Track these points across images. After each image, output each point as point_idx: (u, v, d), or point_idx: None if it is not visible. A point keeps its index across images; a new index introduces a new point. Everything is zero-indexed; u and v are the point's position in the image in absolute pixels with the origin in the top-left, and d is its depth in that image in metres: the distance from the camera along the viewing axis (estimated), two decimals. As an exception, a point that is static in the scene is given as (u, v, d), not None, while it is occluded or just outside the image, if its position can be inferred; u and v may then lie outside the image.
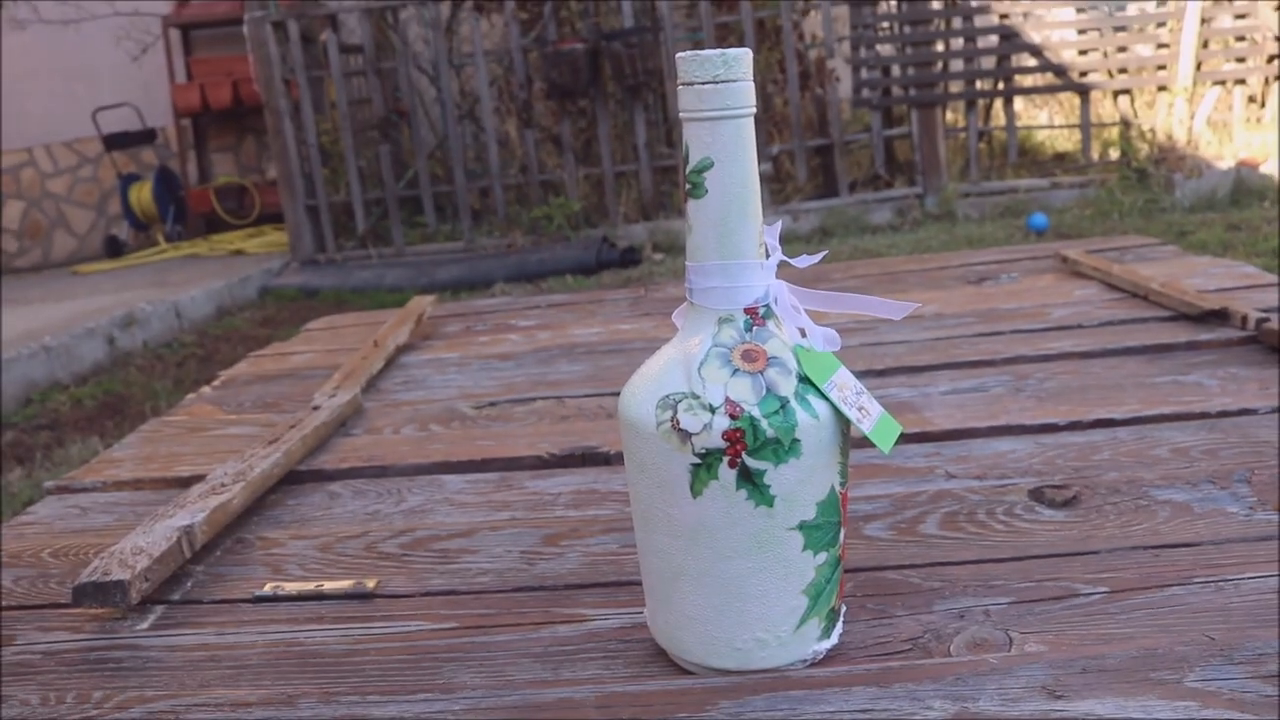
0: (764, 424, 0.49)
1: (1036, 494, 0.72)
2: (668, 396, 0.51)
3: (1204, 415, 0.84)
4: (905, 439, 0.85)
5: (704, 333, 0.52)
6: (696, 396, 0.50)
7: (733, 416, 0.49)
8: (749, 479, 0.50)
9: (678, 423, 0.50)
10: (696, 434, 0.50)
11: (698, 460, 0.50)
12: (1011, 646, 0.54)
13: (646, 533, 0.54)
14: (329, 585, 0.67)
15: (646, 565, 0.55)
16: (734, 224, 0.51)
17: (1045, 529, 0.67)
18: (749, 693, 0.52)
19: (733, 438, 0.49)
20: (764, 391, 0.50)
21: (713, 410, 0.50)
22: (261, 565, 0.72)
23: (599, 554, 0.69)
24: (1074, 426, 0.85)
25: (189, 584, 0.70)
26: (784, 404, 0.50)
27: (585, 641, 0.58)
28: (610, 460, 0.87)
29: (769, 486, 0.50)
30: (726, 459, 0.50)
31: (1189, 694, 0.49)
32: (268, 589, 0.68)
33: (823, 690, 0.52)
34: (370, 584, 0.67)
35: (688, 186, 0.51)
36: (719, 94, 0.50)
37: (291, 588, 0.68)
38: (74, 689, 0.58)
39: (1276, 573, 0.59)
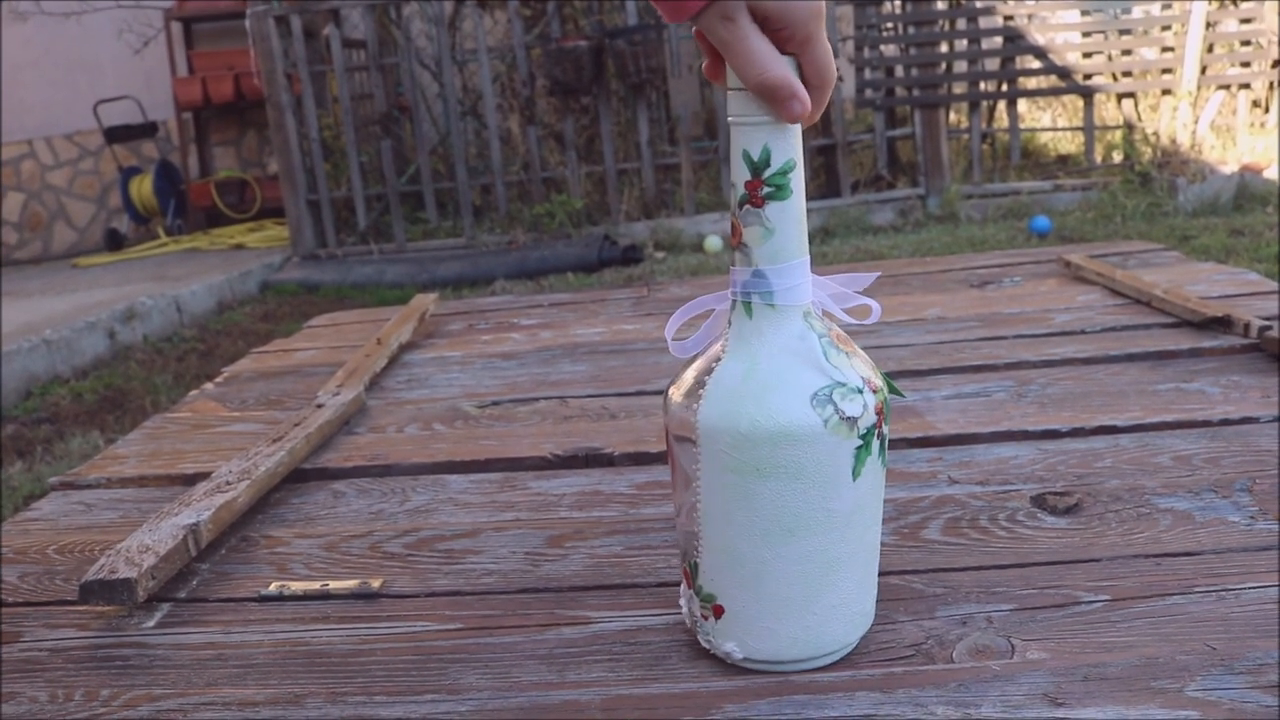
0: (886, 393, 0.54)
1: (1039, 500, 0.73)
2: (816, 393, 0.51)
3: (1206, 423, 0.84)
4: (908, 444, 0.86)
5: (793, 329, 0.52)
6: (842, 384, 0.51)
7: (874, 391, 0.53)
8: (883, 446, 0.54)
9: (843, 412, 0.51)
10: (859, 417, 0.52)
11: (860, 442, 0.52)
12: (1013, 653, 0.55)
13: (789, 545, 0.52)
14: (334, 585, 0.68)
15: (775, 582, 0.53)
16: (805, 221, 0.52)
17: (1047, 536, 0.68)
18: (753, 696, 0.52)
19: (880, 411, 0.53)
20: (872, 365, 0.54)
21: (860, 391, 0.52)
22: (267, 564, 0.73)
23: (603, 556, 0.70)
24: (1076, 433, 0.85)
25: (195, 582, 0.70)
26: (882, 375, 0.55)
27: (590, 644, 0.59)
28: (614, 462, 0.88)
29: (887, 450, 0.55)
30: (877, 433, 0.53)
31: (1189, 703, 0.49)
32: (273, 588, 0.68)
33: (827, 695, 0.52)
34: (375, 584, 0.67)
35: (768, 190, 0.50)
36: None
37: (297, 587, 0.68)
38: (81, 686, 0.58)
39: (1277, 582, 0.59)
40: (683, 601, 0.58)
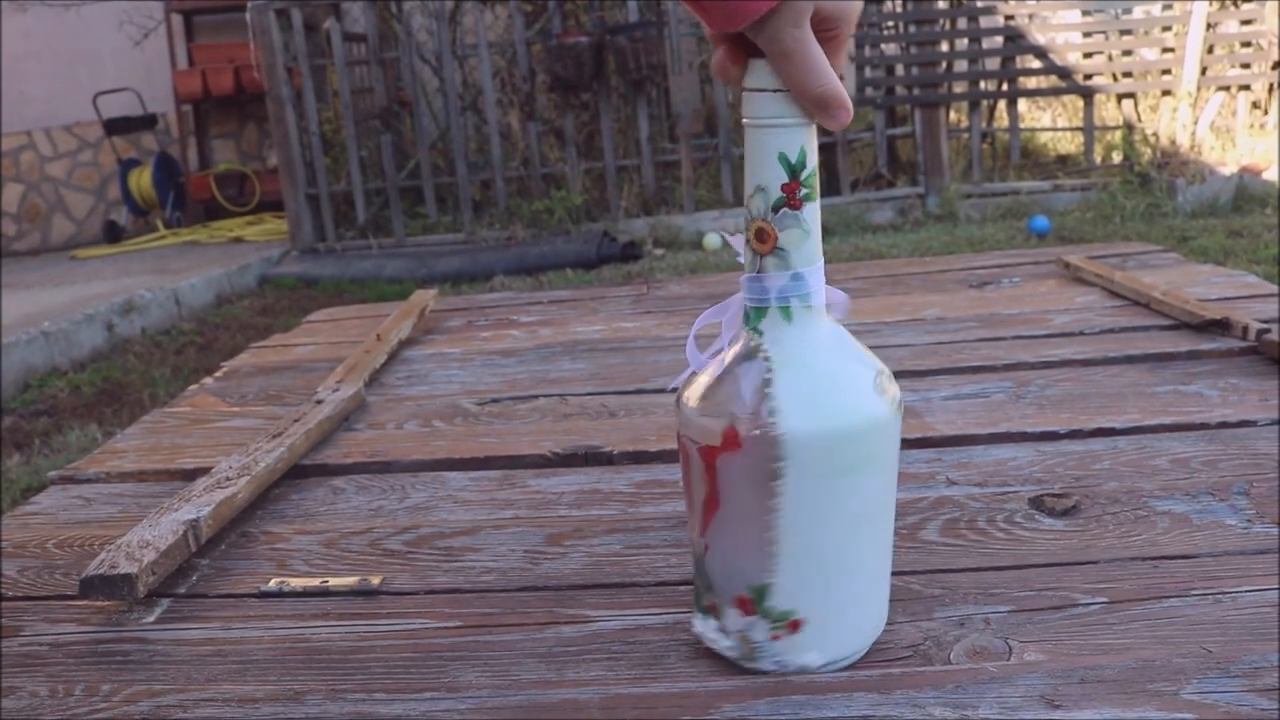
0: None
1: (1037, 502, 0.73)
2: (873, 383, 0.53)
3: (1204, 426, 0.85)
4: (907, 444, 0.86)
5: (826, 326, 0.53)
6: (881, 370, 0.53)
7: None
8: None
9: (895, 396, 0.53)
10: (900, 397, 0.54)
11: (901, 422, 0.54)
12: (1011, 655, 0.55)
13: (868, 536, 0.54)
14: (334, 581, 0.68)
15: (854, 577, 0.54)
16: None
17: (1045, 538, 0.68)
18: (751, 696, 0.53)
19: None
20: None
21: (890, 375, 0.54)
22: (266, 560, 0.73)
23: (602, 555, 0.70)
24: (1075, 435, 0.85)
25: (195, 578, 0.71)
26: None
27: (589, 643, 0.59)
28: (613, 460, 0.88)
29: None
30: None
31: (1185, 706, 0.49)
32: (273, 584, 0.68)
33: (824, 695, 0.52)
34: (375, 581, 0.68)
35: (805, 191, 0.50)
36: None
37: (297, 583, 0.68)
38: (81, 681, 0.58)
39: (1274, 586, 0.59)
40: (723, 636, 0.55)
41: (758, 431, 0.50)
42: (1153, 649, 0.54)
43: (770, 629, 0.54)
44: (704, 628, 0.56)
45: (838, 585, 0.54)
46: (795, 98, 0.49)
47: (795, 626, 0.53)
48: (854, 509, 0.52)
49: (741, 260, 0.54)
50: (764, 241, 0.51)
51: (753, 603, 0.53)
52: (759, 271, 0.52)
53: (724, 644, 0.55)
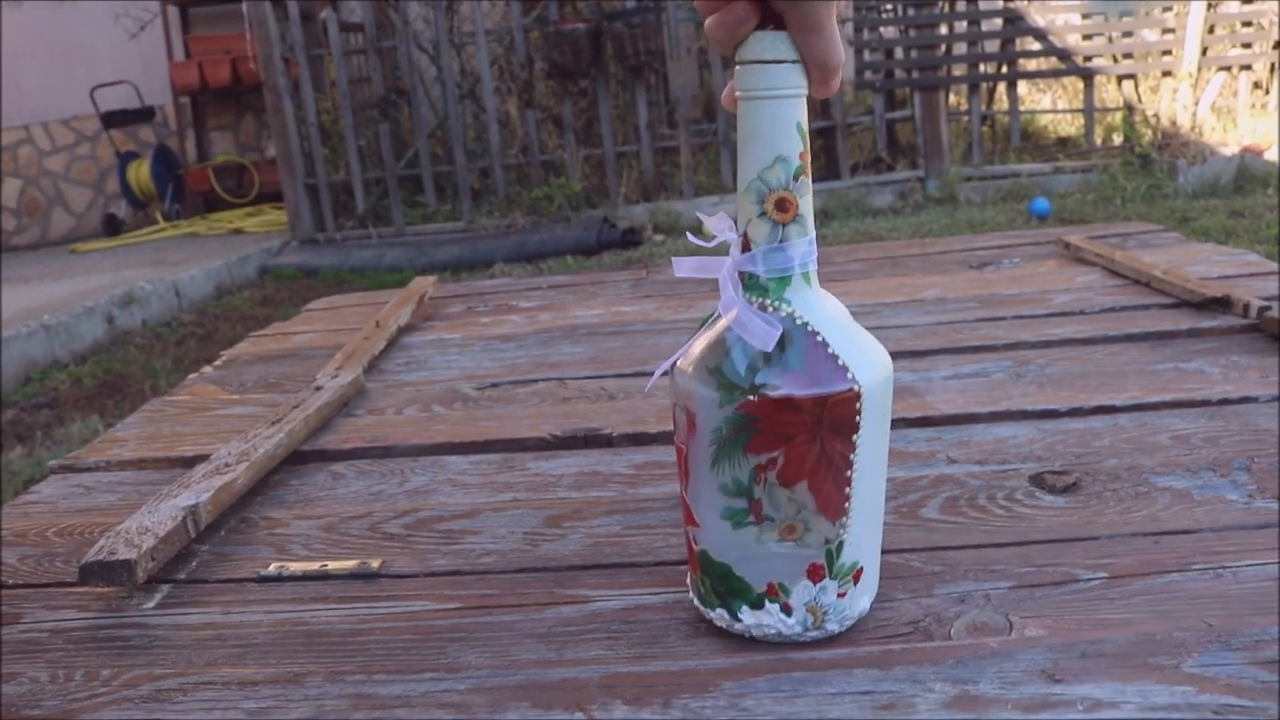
0: None
1: (1037, 479, 0.73)
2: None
3: (1205, 403, 0.84)
4: (907, 423, 0.86)
5: (815, 287, 0.54)
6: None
7: None
8: None
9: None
10: None
11: None
12: (1011, 630, 0.55)
13: (879, 489, 0.55)
14: (334, 565, 0.68)
15: (880, 515, 0.56)
16: None
17: (1046, 514, 0.68)
18: (751, 674, 0.52)
19: None
20: None
21: None
22: (266, 545, 0.73)
23: (601, 535, 0.70)
24: (1075, 413, 0.85)
25: (194, 563, 0.71)
26: None
27: (588, 622, 0.59)
28: (612, 442, 0.88)
29: None
30: None
31: (1186, 679, 0.49)
32: (273, 569, 0.68)
33: (825, 672, 0.52)
34: (375, 564, 0.68)
35: (810, 158, 0.52)
36: None
37: (296, 567, 0.68)
38: (82, 666, 0.58)
39: (1275, 560, 0.59)
40: (786, 617, 0.54)
41: (847, 389, 0.51)
42: (1153, 623, 0.54)
43: (839, 587, 0.54)
44: (757, 619, 0.54)
45: (878, 527, 0.56)
46: (803, 68, 0.50)
47: (858, 576, 0.55)
48: (886, 448, 0.55)
49: (708, 244, 0.54)
50: (785, 211, 0.51)
51: (824, 566, 0.53)
52: (781, 241, 0.52)
53: (788, 624, 0.54)
